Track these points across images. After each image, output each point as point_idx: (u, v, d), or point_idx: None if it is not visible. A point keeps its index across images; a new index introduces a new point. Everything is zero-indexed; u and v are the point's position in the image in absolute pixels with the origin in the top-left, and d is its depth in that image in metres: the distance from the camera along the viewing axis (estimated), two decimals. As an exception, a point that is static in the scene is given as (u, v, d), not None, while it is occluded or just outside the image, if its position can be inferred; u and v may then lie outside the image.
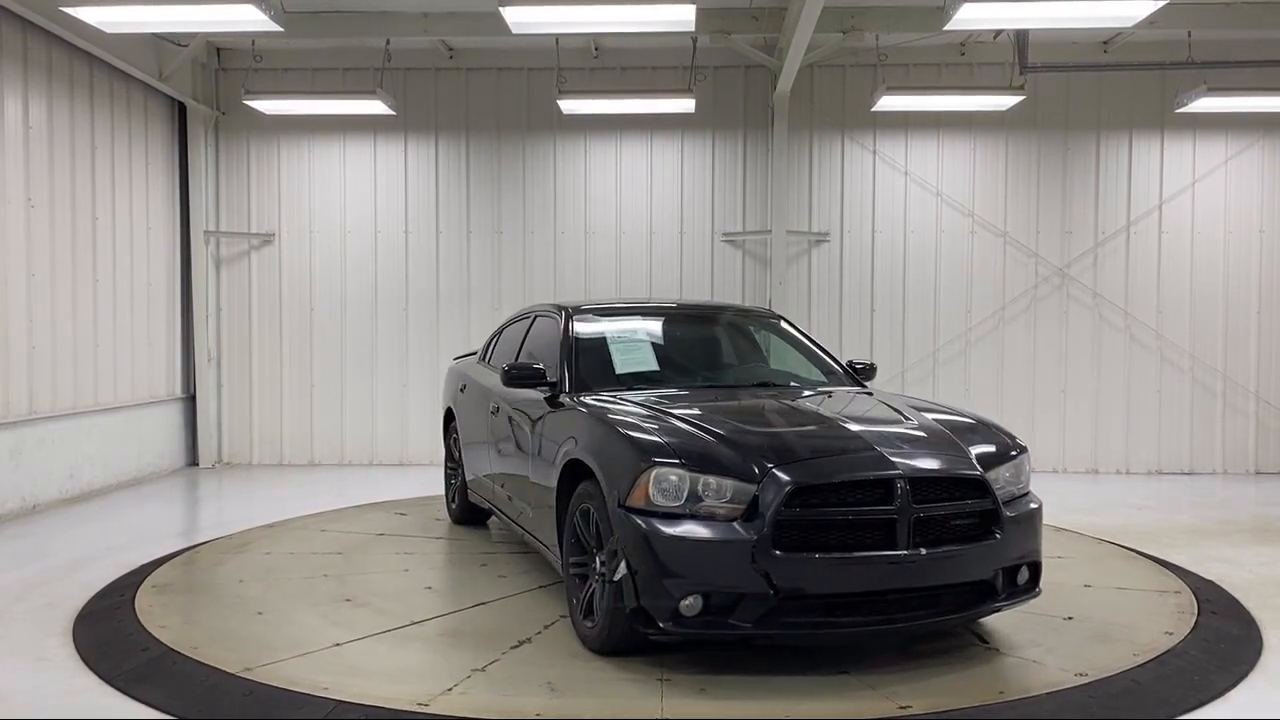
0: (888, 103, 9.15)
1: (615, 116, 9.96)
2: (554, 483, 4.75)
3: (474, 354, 7.61)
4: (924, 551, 3.98)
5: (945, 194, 10.15)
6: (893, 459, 4.10)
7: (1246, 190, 10.09)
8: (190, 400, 10.32)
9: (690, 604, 3.88)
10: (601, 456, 4.30)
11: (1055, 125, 10.10)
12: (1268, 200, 10.10)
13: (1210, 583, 5.67)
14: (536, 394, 5.30)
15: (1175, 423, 10.14)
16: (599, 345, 5.62)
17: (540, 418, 5.18)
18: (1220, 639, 4.67)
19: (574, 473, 4.61)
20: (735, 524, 3.92)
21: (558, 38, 9.28)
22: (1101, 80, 9.95)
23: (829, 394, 5.39)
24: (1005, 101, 9.23)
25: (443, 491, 8.08)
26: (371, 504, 7.90)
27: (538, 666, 4.23)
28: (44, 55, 8.09)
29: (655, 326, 6.06)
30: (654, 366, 5.66)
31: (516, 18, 6.98)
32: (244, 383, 10.46)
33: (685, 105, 9.24)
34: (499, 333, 6.98)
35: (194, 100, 9.92)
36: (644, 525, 3.96)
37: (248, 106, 9.51)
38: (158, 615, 4.88)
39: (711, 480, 3.98)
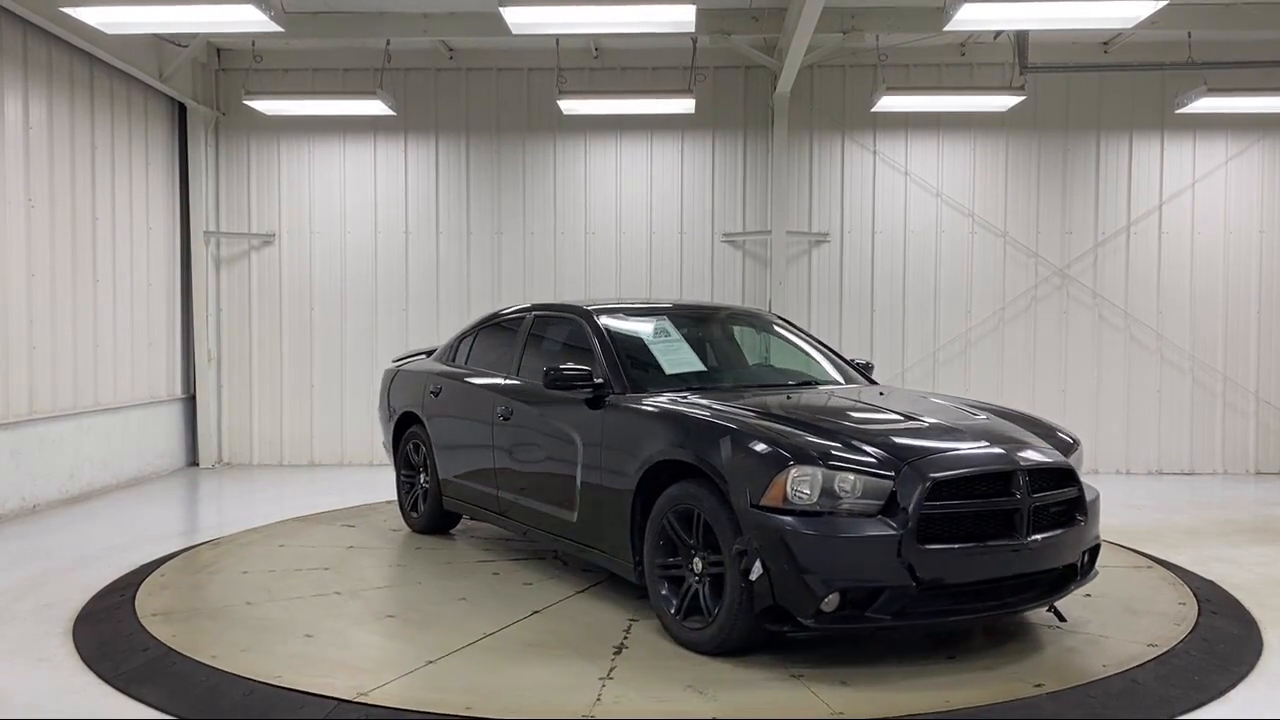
0: (888, 103, 9.15)
1: (615, 117, 9.96)
2: (631, 485, 4.69)
3: (418, 355, 7.38)
4: (1039, 538, 4.20)
5: (945, 194, 10.15)
6: (1010, 453, 4.32)
7: (1246, 190, 10.10)
8: (190, 400, 10.33)
9: (831, 599, 3.95)
10: (722, 457, 4.27)
11: (1055, 125, 10.10)
12: (1268, 200, 10.10)
13: (1210, 583, 5.68)
14: (577, 396, 5.17)
15: (1175, 423, 10.14)
16: (640, 346, 5.55)
17: (596, 420, 5.03)
18: (1220, 639, 4.67)
19: (655, 474, 4.59)
20: (878, 519, 4.00)
21: (558, 38, 9.27)
22: (1101, 80, 9.95)
23: (881, 392, 5.53)
24: (1005, 102, 9.23)
25: (376, 500, 7.94)
26: (314, 514, 7.52)
27: (659, 670, 4.18)
28: (44, 55, 8.09)
29: (680, 328, 5.93)
30: (700, 367, 5.62)
31: (516, 18, 6.98)
32: (244, 383, 10.46)
33: (685, 105, 9.23)
34: (474, 334, 6.72)
35: (194, 100, 9.93)
36: (784, 525, 3.99)
37: (248, 106, 9.51)
38: (194, 643, 4.51)
39: (849, 477, 4.05)
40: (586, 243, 10.31)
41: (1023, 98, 9.12)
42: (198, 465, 10.29)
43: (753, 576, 4.04)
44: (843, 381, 5.84)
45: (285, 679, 4.04)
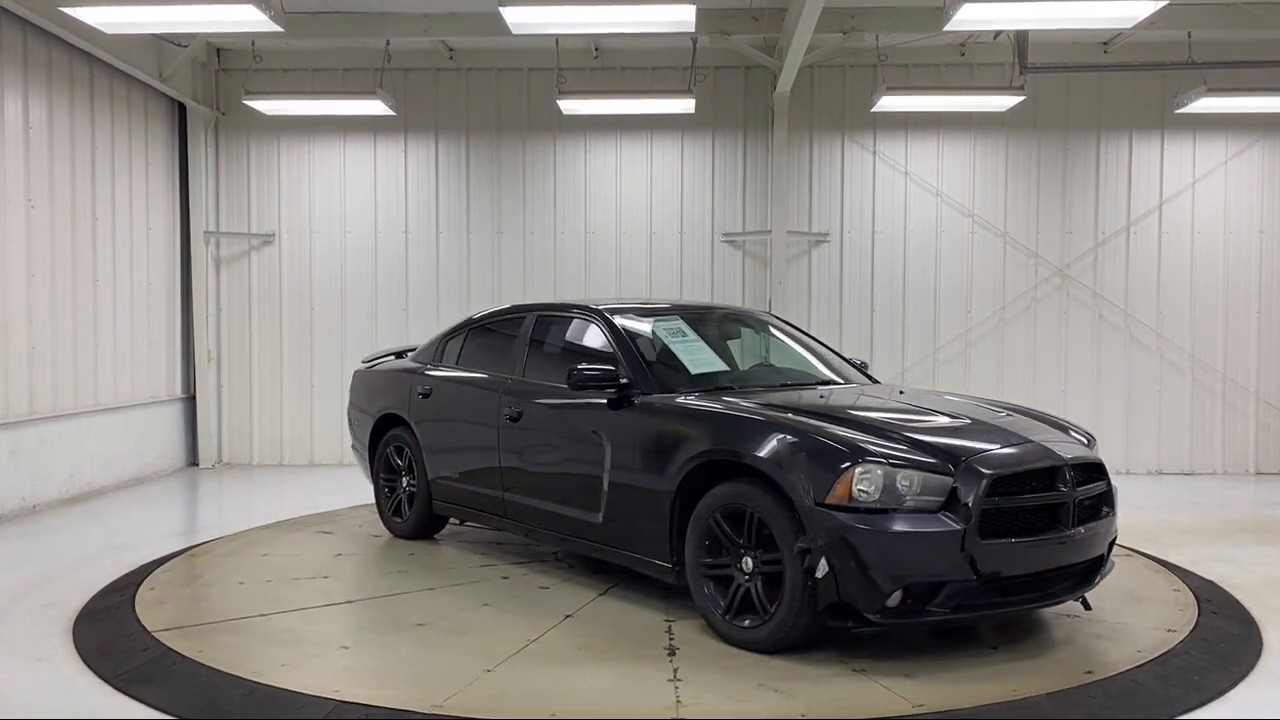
0: (888, 103, 9.15)
1: (615, 117, 9.96)
2: (672, 486, 4.65)
3: (387, 356, 7.24)
4: (1083, 530, 4.37)
5: (945, 194, 10.15)
6: (1053, 448, 4.45)
7: (1246, 190, 10.10)
8: (190, 400, 10.33)
9: (896, 595, 4.01)
10: (781, 456, 4.26)
11: (1055, 125, 10.10)
12: (1268, 200, 10.10)
13: (1210, 583, 5.68)
14: (601, 397, 5.08)
15: (1175, 423, 10.14)
16: (660, 345, 5.51)
17: (624, 421, 4.97)
18: (1220, 639, 4.67)
19: (694, 475, 4.59)
20: (940, 515, 4.07)
21: (558, 38, 9.27)
22: (1101, 80, 9.95)
23: (901, 391, 5.62)
24: (1005, 102, 9.23)
25: (342, 506, 7.84)
26: (288, 520, 7.35)
27: (722, 669, 4.16)
28: (44, 55, 8.09)
29: (692, 328, 5.82)
30: (722, 366, 5.60)
31: (516, 18, 6.98)
32: (244, 383, 10.46)
33: (685, 105, 9.23)
34: (462, 334, 6.53)
35: (194, 100, 9.93)
36: (850, 522, 4.03)
37: (248, 106, 9.51)
38: (229, 659, 4.29)
39: (912, 474, 4.11)
40: (586, 242, 10.31)
41: (1023, 98, 9.12)
42: (198, 465, 10.29)
43: (819, 574, 4.06)
44: (852, 381, 5.82)
45: (344, 693, 3.89)
